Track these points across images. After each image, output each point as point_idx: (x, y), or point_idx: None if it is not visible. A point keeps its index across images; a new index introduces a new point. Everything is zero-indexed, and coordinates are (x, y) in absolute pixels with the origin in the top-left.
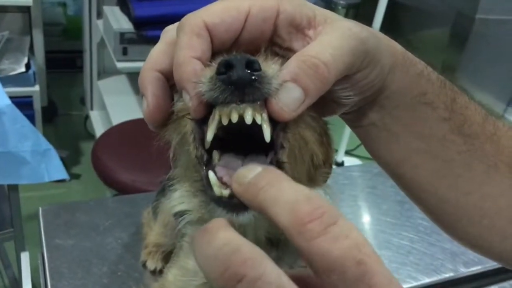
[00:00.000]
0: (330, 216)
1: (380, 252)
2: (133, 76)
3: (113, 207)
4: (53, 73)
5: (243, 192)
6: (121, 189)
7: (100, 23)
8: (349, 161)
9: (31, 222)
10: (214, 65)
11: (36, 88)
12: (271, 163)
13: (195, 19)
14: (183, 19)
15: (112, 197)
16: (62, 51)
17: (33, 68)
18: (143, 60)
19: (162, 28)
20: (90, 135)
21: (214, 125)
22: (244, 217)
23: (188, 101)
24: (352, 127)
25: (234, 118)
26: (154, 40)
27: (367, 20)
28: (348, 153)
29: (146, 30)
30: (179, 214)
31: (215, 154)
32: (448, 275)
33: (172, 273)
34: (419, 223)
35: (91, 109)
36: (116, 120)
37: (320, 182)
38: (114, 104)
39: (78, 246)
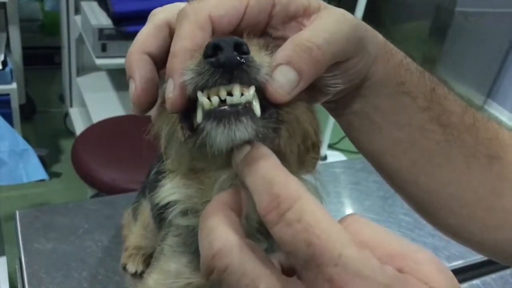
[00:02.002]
0: (285, 203)
1: None
2: (113, 73)
3: (92, 209)
4: (30, 70)
5: (237, 171)
6: (102, 187)
7: (78, 18)
8: (332, 154)
9: (9, 224)
10: (198, 52)
11: (14, 85)
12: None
13: (201, 11)
14: (187, 7)
15: (93, 196)
16: (39, 47)
17: (10, 65)
18: (123, 57)
19: (141, 23)
20: (70, 133)
21: (201, 110)
22: (242, 129)
23: (170, 91)
24: (334, 115)
25: (223, 95)
26: (134, 36)
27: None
28: (331, 146)
29: (125, 26)
30: (169, 206)
31: (199, 114)
32: None
33: (152, 278)
34: (401, 219)
35: (71, 106)
36: (96, 117)
37: (310, 167)
38: (94, 101)
39: (56, 250)
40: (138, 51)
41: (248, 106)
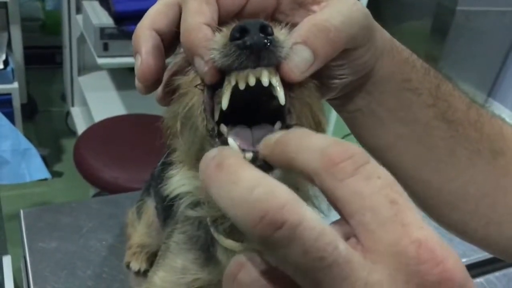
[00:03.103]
0: (361, 157)
1: None
2: (114, 72)
3: (96, 208)
4: (32, 69)
5: (270, 152)
6: (104, 186)
7: (79, 18)
8: None
9: (13, 223)
10: (224, 31)
11: (15, 85)
12: (281, 129)
13: None
14: None
15: (95, 195)
16: (41, 47)
17: (11, 64)
18: (125, 56)
19: None
20: (72, 132)
21: (229, 91)
22: (276, 173)
23: (203, 67)
24: (340, 112)
25: (252, 82)
26: None
27: None
28: None
29: (127, 25)
30: (179, 197)
31: (223, 127)
32: None
33: (159, 276)
34: None
35: (72, 105)
36: (98, 116)
37: None
38: (96, 101)
39: (61, 248)
40: (146, 27)
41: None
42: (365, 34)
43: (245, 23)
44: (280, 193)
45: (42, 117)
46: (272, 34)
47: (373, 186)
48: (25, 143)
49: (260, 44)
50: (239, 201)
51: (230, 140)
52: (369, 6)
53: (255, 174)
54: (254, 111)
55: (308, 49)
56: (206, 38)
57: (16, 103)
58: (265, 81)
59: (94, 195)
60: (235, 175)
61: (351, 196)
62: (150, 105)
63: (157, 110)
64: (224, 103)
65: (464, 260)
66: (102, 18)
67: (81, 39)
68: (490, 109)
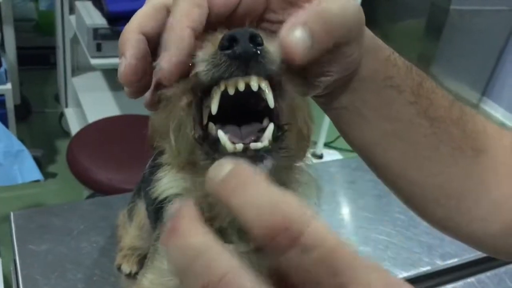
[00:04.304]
0: (297, 227)
1: (359, 248)
2: (108, 73)
3: (87, 210)
4: (25, 70)
5: (216, 192)
6: (98, 188)
7: (72, 18)
8: (328, 153)
9: (4, 225)
10: (210, 39)
11: (8, 86)
12: (277, 129)
13: None
14: None
15: (89, 196)
16: (34, 47)
17: (4, 65)
18: (118, 56)
19: None
20: (65, 133)
21: (218, 96)
22: (263, 169)
23: (166, 60)
24: (325, 110)
25: (241, 87)
26: None
27: None
28: (327, 145)
29: (120, 25)
30: (168, 200)
31: (212, 126)
32: (425, 268)
33: (147, 278)
34: (397, 217)
35: (66, 106)
36: (92, 117)
37: (302, 156)
38: (90, 101)
39: (52, 251)
40: (133, 30)
41: (268, 148)
42: (358, 29)
43: (235, 32)
44: (221, 264)
45: (35, 118)
46: (262, 44)
47: (309, 260)
48: (18, 145)
49: (249, 53)
50: (182, 269)
51: (220, 133)
52: (363, 5)
53: (203, 242)
54: (242, 112)
55: (308, 31)
56: (182, 38)
57: (10, 104)
58: (254, 86)
59: (88, 197)
60: (184, 240)
61: (292, 270)
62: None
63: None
64: (214, 108)
65: (455, 260)
66: (95, 18)
67: (75, 40)
68: (481, 111)
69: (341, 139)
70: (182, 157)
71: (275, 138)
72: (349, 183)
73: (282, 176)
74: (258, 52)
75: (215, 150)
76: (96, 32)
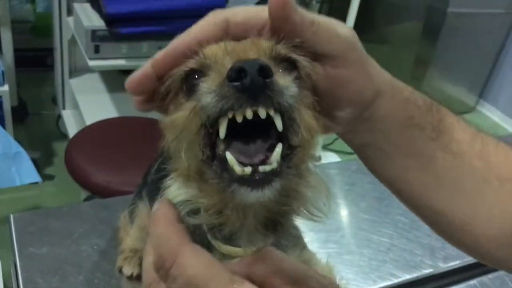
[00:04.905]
0: (168, 262)
1: (361, 250)
2: (106, 74)
3: (87, 212)
4: (22, 72)
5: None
6: (96, 190)
7: (70, 20)
8: (326, 155)
9: (2, 227)
10: (211, 71)
11: (5, 88)
12: (287, 148)
13: (219, 13)
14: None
15: (86, 198)
16: (31, 49)
17: (1, 67)
18: (116, 58)
19: (134, 25)
20: (63, 135)
21: (226, 123)
22: (270, 191)
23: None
24: (352, 147)
25: (249, 116)
26: (127, 38)
27: (341, 14)
28: (325, 147)
29: (118, 27)
30: (177, 206)
31: (220, 144)
32: (427, 271)
33: None
34: (398, 220)
35: (63, 108)
36: (90, 119)
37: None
38: (87, 103)
39: (52, 254)
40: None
41: (276, 170)
42: (351, 51)
43: (244, 63)
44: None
45: (33, 120)
46: (271, 76)
47: (177, 285)
48: (16, 147)
49: (258, 86)
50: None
51: (228, 155)
52: (360, 8)
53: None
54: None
55: None
56: (177, 56)
57: (7, 106)
58: (262, 114)
59: (86, 199)
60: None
61: None
62: None
63: (149, 113)
64: (221, 133)
65: (457, 262)
66: (94, 20)
67: (72, 41)
68: (478, 113)
69: (339, 141)
70: (192, 169)
71: (284, 156)
72: (349, 185)
73: (291, 182)
74: (267, 84)
75: (223, 169)
76: (94, 34)
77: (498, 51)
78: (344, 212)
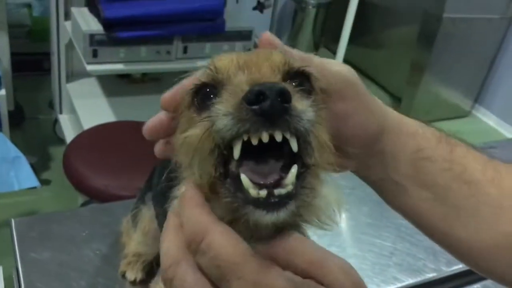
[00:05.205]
0: (199, 237)
1: (364, 254)
2: (103, 79)
3: (89, 217)
4: (19, 76)
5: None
6: (94, 194)
7: (67, 24)
8: None
9: (1, 232)
10: (225, 92)
11: (2, 92)
12: (301, 166)
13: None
14: None
15: (84, 203)
16: (28, 53)
17: None
18: (114, 63)
19: (132, 29)
20: (60, 140)
21: (240, 144)
22: (285, 213)
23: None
24: (369, 183)
25: (265, 139)
26: (125, 42)
27: (337, 19)
28: None
29: (117, 31)
30: None
31: (234, 165)
32: (431, 275)
33: (161, 286)
34: (400, 223)
35: (60, 112)
36: (87, 124)
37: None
38: (85, 108)
39: (54, 259)
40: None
41: (292, 193)
42: (347, 87)
43: (263, 87)
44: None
45: (29, 125)
46: (290, 101)
47: (205, 259)
48: (14, 151)
49: (277, 111)
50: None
51: (243, 178)
52: (356, 13)
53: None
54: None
55: None
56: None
57: (3, 110)
58: (278, 138)
59: (83, 204)
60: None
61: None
62: (140, 112)
63: (147, 117)
64: (236, 155)
65: (460, 266)
66: (91, 24)
67: (70, 46)
68: (473, 118)
69: None
70: (203, 183)
71: (298, 175)
72: (350, 189)
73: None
74: (286, 109)
75: (237, 188)
76: (92, 38)
77: (493, 56)
78: (346, 216)
